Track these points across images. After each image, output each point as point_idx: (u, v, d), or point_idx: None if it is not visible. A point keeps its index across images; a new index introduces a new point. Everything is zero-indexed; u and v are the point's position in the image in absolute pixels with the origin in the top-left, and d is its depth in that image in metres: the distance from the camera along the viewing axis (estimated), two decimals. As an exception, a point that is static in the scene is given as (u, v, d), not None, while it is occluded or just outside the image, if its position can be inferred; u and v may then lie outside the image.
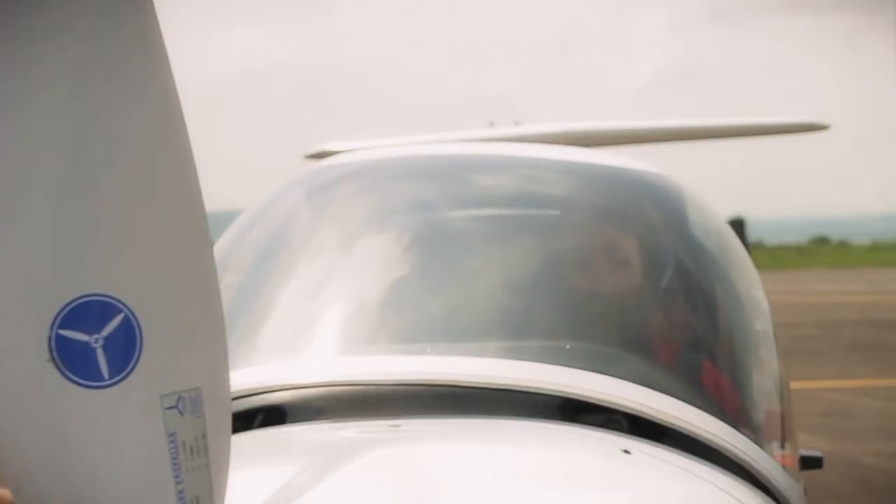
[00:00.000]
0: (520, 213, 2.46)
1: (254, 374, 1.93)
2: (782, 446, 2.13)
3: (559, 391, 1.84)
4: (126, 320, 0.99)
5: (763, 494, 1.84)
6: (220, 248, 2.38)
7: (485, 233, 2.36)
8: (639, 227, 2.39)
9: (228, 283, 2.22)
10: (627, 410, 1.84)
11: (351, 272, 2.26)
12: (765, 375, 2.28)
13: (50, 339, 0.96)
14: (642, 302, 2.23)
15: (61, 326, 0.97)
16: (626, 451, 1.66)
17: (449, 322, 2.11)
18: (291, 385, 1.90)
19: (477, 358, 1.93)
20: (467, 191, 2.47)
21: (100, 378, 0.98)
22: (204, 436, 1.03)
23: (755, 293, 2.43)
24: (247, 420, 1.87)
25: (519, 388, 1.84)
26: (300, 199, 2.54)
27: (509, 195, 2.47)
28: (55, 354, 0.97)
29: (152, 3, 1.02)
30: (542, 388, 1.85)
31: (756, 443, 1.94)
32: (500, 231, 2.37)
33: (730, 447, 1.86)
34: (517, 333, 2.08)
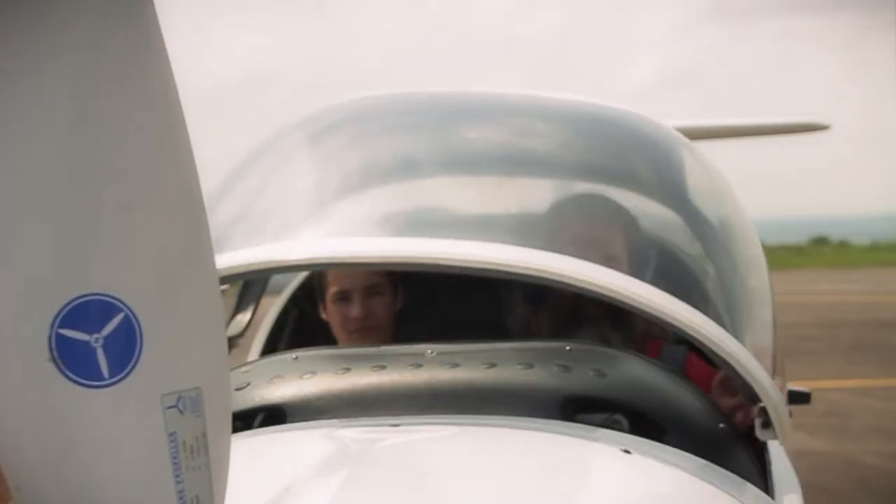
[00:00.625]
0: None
1: (241, 254, 1.99)
2: (772, 377, 2.18)
3: (545, 273, 1.88)
4: (126, 320, 0.99)
5: (763, 494, 1.84)
6: (211, 191, 2.44)
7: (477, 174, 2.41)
8: (637, 175, 2.41)
9: (222, 198, 2.33)
10: (616, 298, 1.88)
11: (340, 173, 2.37)
12: (758, 327, 2.30)
13: (50, 338, 0.97)
14: (637, 246, 2.26)
15: (61, 326, 0.97)
16: (626, 451, 1.66)
17: (438, 214, 2.19)
18: (278, 262, 1.96)
19: (458, 240, 1.97)
20: (457, 145, 2.51)
21: (100, 377, 0.98)
22: (204, 435, 1.04)
23: (751, 247, 2.47)
24: (247, 420, 1.88)
25: (497, 268, 1.89)
26: (294, 134, 2.60)
27: (501, 153, 2.49)
28: (55, 354, 0.97)
29: (153, 4, 1.02)
30: (525, 269, 1.88)
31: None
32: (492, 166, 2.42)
33: (716, 341, 1.91)
34: (503, 225, 2.13)
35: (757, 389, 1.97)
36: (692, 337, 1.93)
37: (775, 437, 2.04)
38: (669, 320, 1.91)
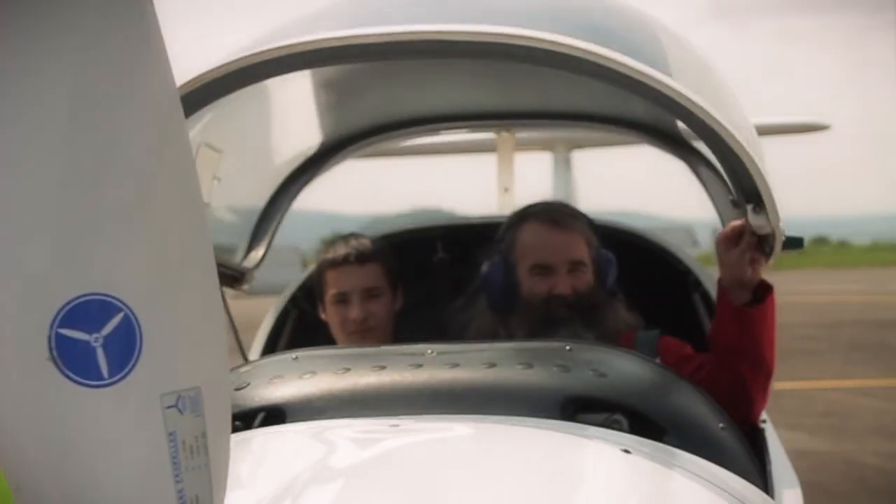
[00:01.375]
0: None
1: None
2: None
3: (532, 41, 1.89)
4: (126, 319, 0.99)
5: (763, 493, 1.84)
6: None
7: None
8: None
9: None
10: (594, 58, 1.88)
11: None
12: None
13: (50, 338, 0.97)
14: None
15: (61, 325, 0.97)
16: (626, 451, 1.66)
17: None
18: (310, 42, 1.99)
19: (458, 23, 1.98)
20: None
21: (99, 377, 0.98)
22: (204, 435, 1.03)
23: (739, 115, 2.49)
24: (247, 420, 1.88)
25: (482, 40, 1.91)
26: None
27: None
28: (55, 353, 0.97)
29: (152, 4, 1.02)
30: (507, 39, 1.88)
31: None
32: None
33: (719, 119, 1.93)
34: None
35: (752, 171, 2.01)
36: (695, 113, 1.92)
37: (768, 222, 2.11)
38: (679, 99, 1.90)
